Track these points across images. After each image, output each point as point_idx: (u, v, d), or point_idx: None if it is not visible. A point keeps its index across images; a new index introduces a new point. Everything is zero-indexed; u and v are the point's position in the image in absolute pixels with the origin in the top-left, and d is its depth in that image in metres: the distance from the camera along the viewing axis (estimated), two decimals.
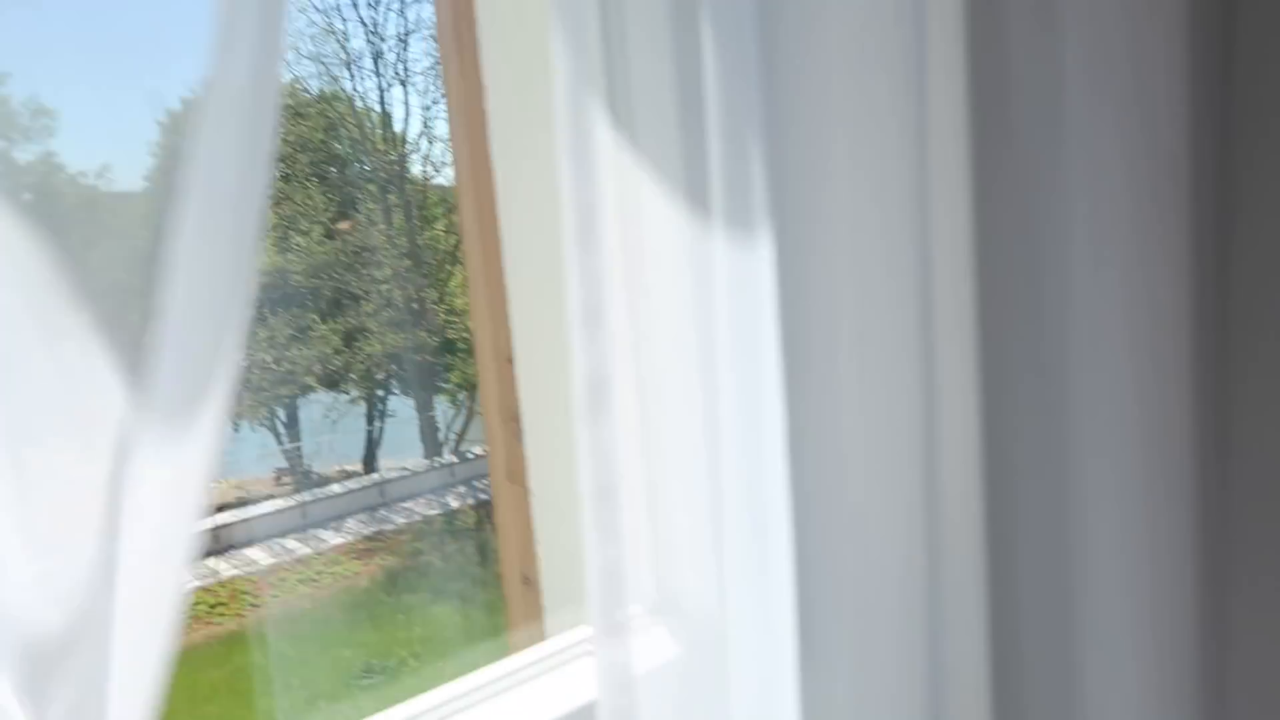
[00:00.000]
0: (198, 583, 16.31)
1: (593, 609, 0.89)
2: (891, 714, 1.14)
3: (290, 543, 17.87)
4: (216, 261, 0.79)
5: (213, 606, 15.40)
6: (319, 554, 17.43)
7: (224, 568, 16.72)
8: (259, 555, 17.26)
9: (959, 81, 1.15)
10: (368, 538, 18.28)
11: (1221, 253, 1.41)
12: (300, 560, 17.23)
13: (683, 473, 1.04)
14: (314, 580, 16.84)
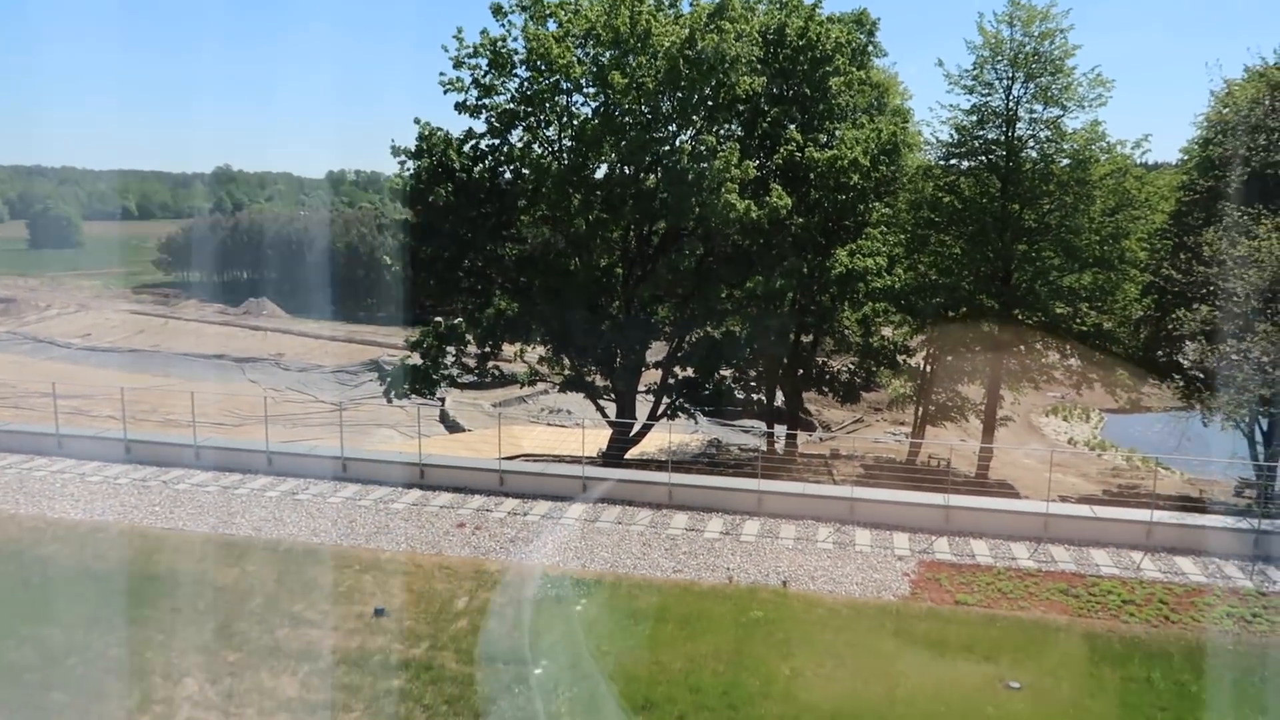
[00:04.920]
0: (1117, 572, 17.15)
1: None
2: None
3: (1231, 568, 17.64)
4: None
5: (1124, 602, 16.19)
6: (1262, 593, 16.69)
7: (1149, 567, 17.20)
8: (1191, 568, 17.46)
9: None
10: None
11: None
12: (1236, 591, 16.80)
13: None
14: (1248, 619, 16.22)
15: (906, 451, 38.77)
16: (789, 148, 29.78)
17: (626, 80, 26.31)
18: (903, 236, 32.00)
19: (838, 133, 31.01)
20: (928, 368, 35.46)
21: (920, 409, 36.25)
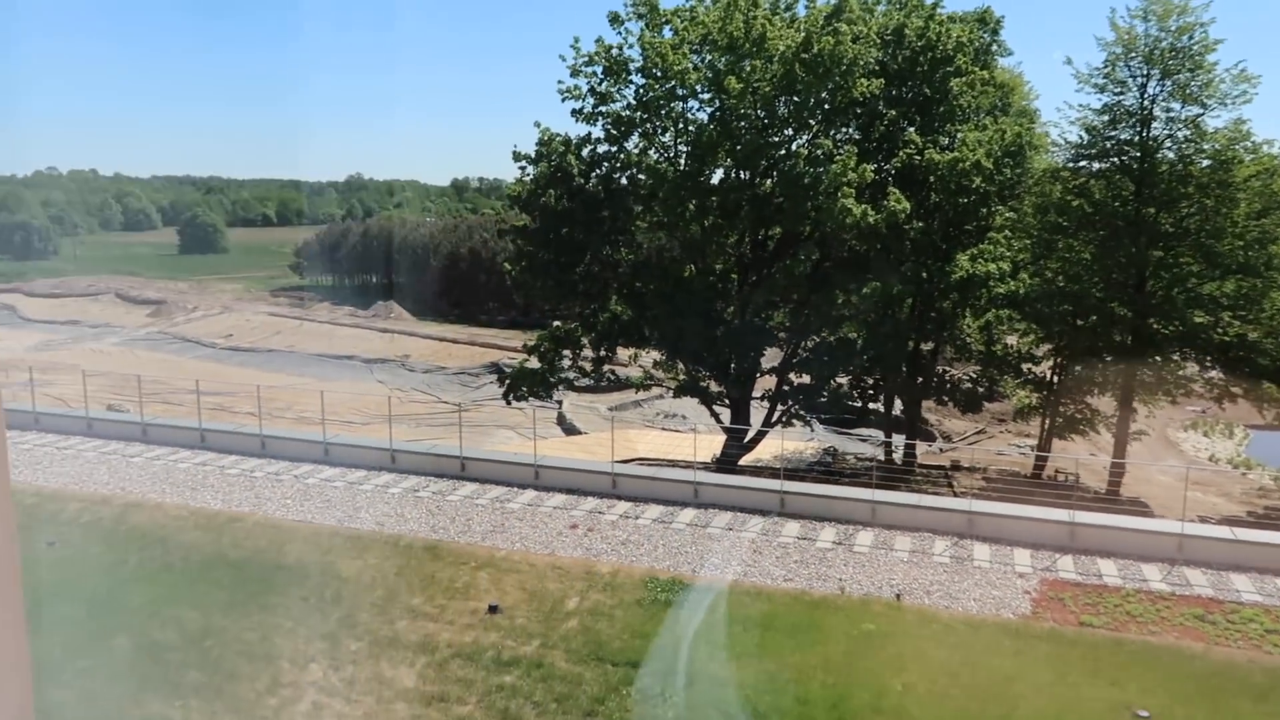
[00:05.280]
0: (1260, 599, 16.26)
1: None
2: None
3: None
4: None
5: (1268, 631, 15.32)
6: None
7: None
8: None
9: None
10: None
11: None
12: None
13: None
14: None
15: (1031, 465, 37.36)
16: (908, 150, 29.18)
17: (742, 85, 26.28)
18: (1028, 241, 30.91)
19: (959, 135, 30.20)
20: (1054, 378, 34.11)
21: (1046, 421, 34.87)
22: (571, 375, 31.80)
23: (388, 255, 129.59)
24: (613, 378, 32.41)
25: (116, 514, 20.74)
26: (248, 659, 14.56)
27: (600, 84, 28.66)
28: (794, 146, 28.23)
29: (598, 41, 28.45)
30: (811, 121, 28.16)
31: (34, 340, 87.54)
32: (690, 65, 27.40)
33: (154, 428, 26.91)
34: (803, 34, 26.54)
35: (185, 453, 25.29)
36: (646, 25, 28.31)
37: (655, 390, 33.47)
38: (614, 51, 28.34)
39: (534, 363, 30.95)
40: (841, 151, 27.24)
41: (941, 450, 47.42)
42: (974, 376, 35.38)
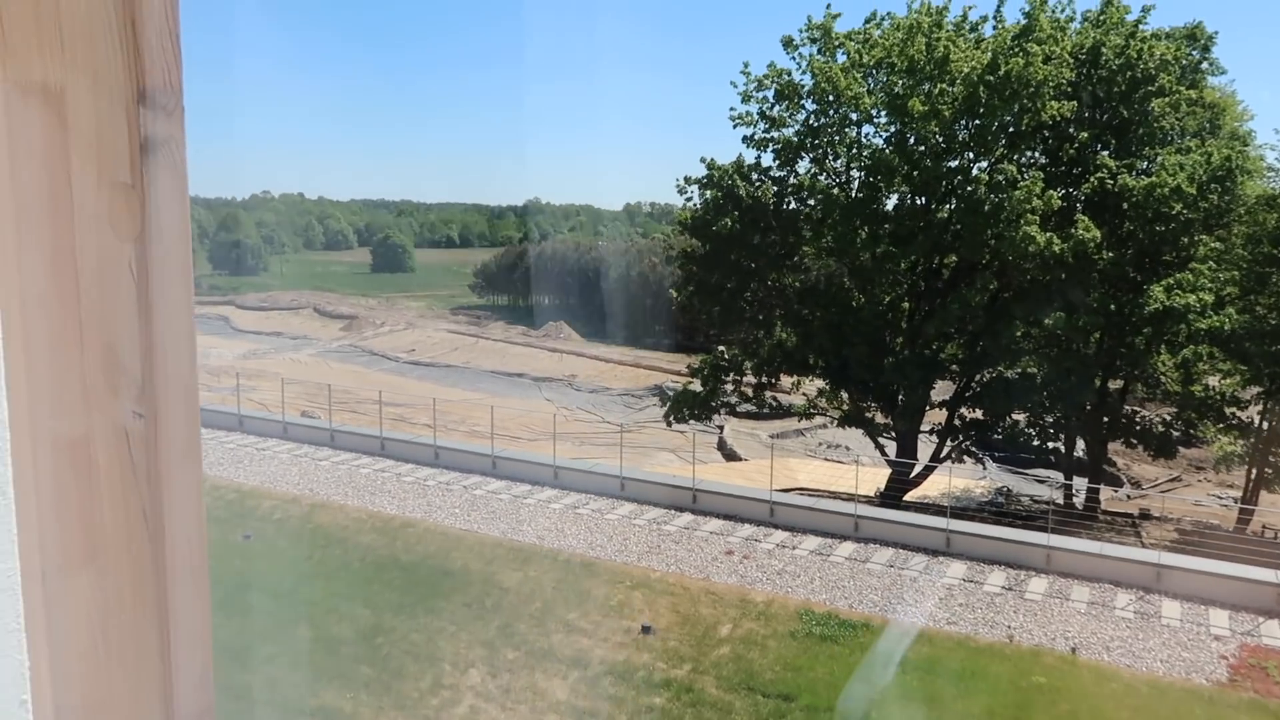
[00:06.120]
0: None
1: None
2: None
3: None
4: None
5: None
6: None
7: None
8: None
9: None
10: None
11: None
12: None
13: None
14: None
15: (1234, 518, 34.20)
16: (1099, 175, 27.53)
17: (927, 108, 25.55)
18: (1236, 274, 28.47)
19: (1158, 158, 28.25)
20: (1264, 424, 31.13)
21: (1253, 471, 31.86)
22: (733, 400, 31.66)
23: (560, 277, 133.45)
24: (775, 404, 32.00)
25: (304, 513, 22.17)
26: (413, 659, 15.18)
27: (771, 108, 28.57)
28: (974, 171, 27.18)
29: (769, 65, 28.41)
30: (995, 146, 27.05)
31: (242, 349, 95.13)
32: (864, 90, 26.90)
33: (341, 434, 28.65)
34: (989, 55, 25.59)
35: (367, 459, 26.78)
36: (819, 49, 28.02)
37: (818, 419, 32.84)
38: (785, 76, 28.20)
39: (697, 386, 31.01)
40: (1026, 177, 26.00)
41: (1129, 497, 44.17)
42: (1168, 419, 32.82)
